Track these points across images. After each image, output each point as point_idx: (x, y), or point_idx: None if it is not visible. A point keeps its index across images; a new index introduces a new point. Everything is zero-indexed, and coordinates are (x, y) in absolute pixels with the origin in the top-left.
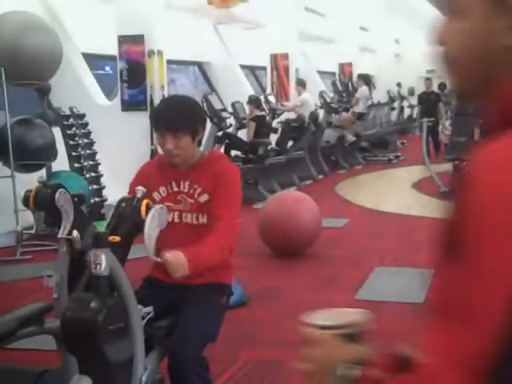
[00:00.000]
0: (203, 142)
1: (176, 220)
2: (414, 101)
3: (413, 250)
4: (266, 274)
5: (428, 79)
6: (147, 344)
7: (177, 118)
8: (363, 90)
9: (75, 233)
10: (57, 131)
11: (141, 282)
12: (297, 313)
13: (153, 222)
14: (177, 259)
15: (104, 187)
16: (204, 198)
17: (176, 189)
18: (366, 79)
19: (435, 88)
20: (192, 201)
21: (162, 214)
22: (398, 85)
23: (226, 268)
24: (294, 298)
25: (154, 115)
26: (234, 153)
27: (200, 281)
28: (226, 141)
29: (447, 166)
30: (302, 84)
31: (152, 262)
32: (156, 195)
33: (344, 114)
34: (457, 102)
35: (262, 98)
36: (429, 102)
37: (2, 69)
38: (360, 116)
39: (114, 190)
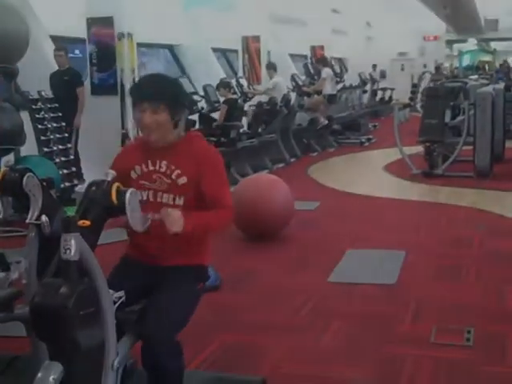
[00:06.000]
0: None
1: (151, 199)
2: (385, 83)
3: (384, 231)
4: (239, 257)
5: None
6: (119, 329)
7: (158, 90)
8: (327, 70)
9: (44, 218)
10: (25, 115)
11: (113, 267)
12: (269, 296)
13: (129, 207)
14: (173, 213)
15: (74, 172)
16: (182, 180)
17: (152, 167)
18: (324, 61)
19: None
20: (169, 181)
21: (134, 198)
22: (374, 66)
23: (204, 249)
24: (267, 281)
25: (136, 87)
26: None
27: (177, 262)
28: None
29: (419, 149)
30: (272, 67)
31: (140, 229)
32: (133, 174)
33: (316, 96)
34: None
35: (233, 81)
36: None
37: None
38: (331, 98)
39: (86, 174)
